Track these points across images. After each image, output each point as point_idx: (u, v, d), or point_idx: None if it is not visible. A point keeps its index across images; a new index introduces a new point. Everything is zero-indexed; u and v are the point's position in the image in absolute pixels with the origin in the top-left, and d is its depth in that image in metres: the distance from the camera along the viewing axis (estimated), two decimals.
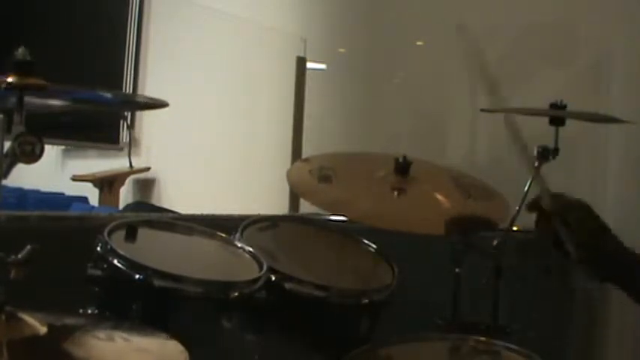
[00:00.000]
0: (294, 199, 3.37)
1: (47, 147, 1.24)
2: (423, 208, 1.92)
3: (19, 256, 1.20)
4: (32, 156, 1.23)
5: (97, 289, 1.54)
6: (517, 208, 1.95)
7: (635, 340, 2.73)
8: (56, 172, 5.64)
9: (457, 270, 1.99)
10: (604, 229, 1.48)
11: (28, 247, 1.21)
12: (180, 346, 1.23)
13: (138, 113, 5.40)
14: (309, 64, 3.81)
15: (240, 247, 1.78)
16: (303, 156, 3.51)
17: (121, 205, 5.08)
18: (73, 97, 1.56)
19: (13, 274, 1.18)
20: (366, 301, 1.77)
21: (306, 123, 3.80)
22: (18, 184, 4.85)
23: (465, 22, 3.22)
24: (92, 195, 5.18)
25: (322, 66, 3.89)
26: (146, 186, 5.31)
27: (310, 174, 1.95)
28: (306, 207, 3.16)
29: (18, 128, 1.23)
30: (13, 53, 1.29)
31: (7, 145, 1.22)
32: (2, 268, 1.17)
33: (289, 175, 1.99)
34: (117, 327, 1.32)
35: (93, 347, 1.22)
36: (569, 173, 2.86)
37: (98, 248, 1.55)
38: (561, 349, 2.75)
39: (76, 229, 2.12)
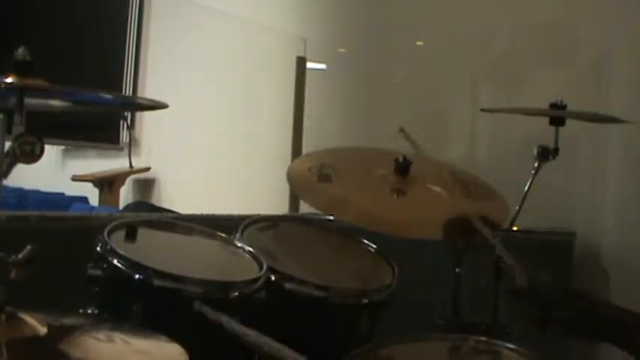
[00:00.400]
0: (294, 199, 3.37)
1: (47, 147, 1.24)
2: (423, 209, 1.92)
3: (20, 256, 1.20)
4: (32, 156, 1.23)
5: (97, 289, 1.54)
6: (517, 208, 1.96)
7: None
8: (56, 172, 5.64)
9: (457, 270, 1.99)
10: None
11: (29, 247, 1.21)
12: (179, 348, 1.23)
13: (138, 113, 5.40)
14: (309, 64, 3.81)
15: (240, 247, 1.78)
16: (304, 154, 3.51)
17: (121, 205, 5.08)
18: (73, 98, 1.56)
19: (13, 274, 1.18)
20: (366, 301, 1.77)
21: (306, 123, 3.79)
22: (18, 184, 4.85)
23: (464, 22, 3.24)
24: (92, 195, 5.18)
25: (322, 66, 3.89)
26: (146, 186, 5.30)
27: (310, 172, 1.95)
28: (306, 207, 3.16)
29: (18, 128, 1.23)
30: (13, 53, 1.29)
31: (7, 145, 1.22)
32: (2, 268, 1.17)
33: (289, 173, 1.99)
34: (116, 328, 1.32)
35: (92, 348, 1.22)
36: (569, 173, 2.86)
37: (98, 248, 1.55)
38: (561, 348, 2.74)
39: (76, 229, 2.12)
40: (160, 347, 1.26)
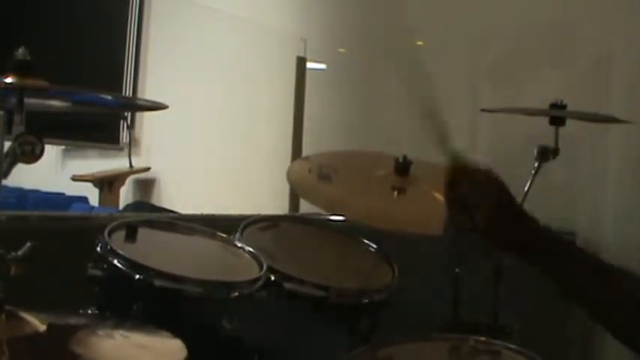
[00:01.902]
0: (294, 199, 3.37)
1: (47, 147, 1.24)
2: (423, 208, 1.92)
3: (19, 252, 1.20)
4: (32, 156, 1.23)
5: (97, 289, 1.54)
6: None
7: None
8: (56, 172, 5.64)
9: (457, 270, 1.99)
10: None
11: (28, 244, 1.21)
12: (179, 342, 1.23)
13: (138, 113, 5.40)
14: (309, 64, 3.81)
15: (240, 247, 1.78)
16: (303, 156, 3.51)
17: (121, 205, 5.08)
18: (73, 98, 1.56)
19: (13, 271, 1.18)
20: (366, 301, 1.77)
21: (306, 123, 3.80)
22: (18, 184, 4.85)
23: (464, 22, 3.23)
24: (92, 195, 5.18)
25: (322, 66, 3.89)
26: (146, 186, 5.31)
27: (310, 173, 1.95)
28: (306, 207, 3.16)
29: (18, 128, 1.23)
30: (13, 53, 1.29)
31: (7, 145, 1.22)
32: (2, 265, 1.17)
33: (289, 175, 1.99)
34: (118, 326, 1.32)
35: (94, 345, 1.22)
36: (569, 173, 2.86)
37: (98, 248, 1.55)
38: (561, 348, 2.75)
39: (76, 229, 2.12)
40: (160, 341, 1.26)
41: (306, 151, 3.71)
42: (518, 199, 1.97)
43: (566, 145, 2.01)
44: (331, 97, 3.84)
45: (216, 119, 4.61)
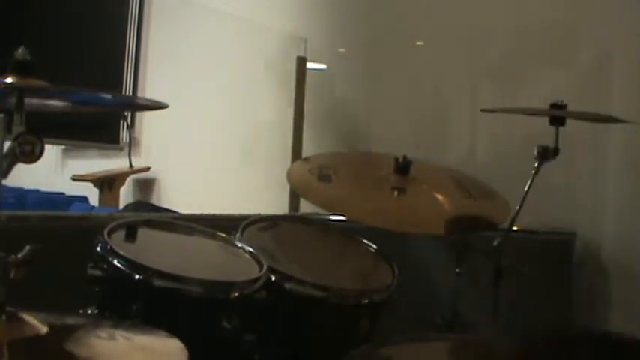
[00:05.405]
0: (294, 199, 3.37)
1: (47, 147, 1.24)
2: (423, 208, 1.92)
3: (19, 255, 1.20)
4: (32, 156, 1.23)
5: (97, 289, 1.54)
6: (517, 208, 1.96)
7: None
8: (56, 172, 5.64)
9: (457, 270, 1.99)
10: None
11: (28, 247, 1.20)
12: (179, 343, 1.23)
13: (138, 113, 5.41)
14: (309, 64, 3.81)
15: (241, 247, 1.78)
16: (303, 156, 3.51)
17: (121, 205, 5.08)
18: (73, 98, 1.56)
19: (13, 273, 1.18)
20: (366, 301, 1.77)
21: (306, 123, 3.79)
22: (18, 184, 4.85)
23: (465, 22, 3.24)
24: (92, 195, 5.18)
25: (322, 66, 3.89)
26: (146, 186, 5.31)
27: (310, 173, 1.95)
28: (306, 207, 3.16)
29: (18, 128, 1.23)
30: (13, 53, 1.29)
31: (7, 145, 1.22)
32: (2, 268, 1.17)
33: (289, 175, 1.99)
34: (118, 326, 1.32)
35: (94, 346, 1.22)
36: (569, 173, 2.86)
37: (98, 248, 1.55)
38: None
39: (76, 229, 2.12)
40: (161, 342, 1.26)
41: (306, 151, 3.71)
42: (518, 199, 1.98)
43: (566, 145, 2.00)
44: (331, 97, 3.83)
45: (216, 119, 4.61)
